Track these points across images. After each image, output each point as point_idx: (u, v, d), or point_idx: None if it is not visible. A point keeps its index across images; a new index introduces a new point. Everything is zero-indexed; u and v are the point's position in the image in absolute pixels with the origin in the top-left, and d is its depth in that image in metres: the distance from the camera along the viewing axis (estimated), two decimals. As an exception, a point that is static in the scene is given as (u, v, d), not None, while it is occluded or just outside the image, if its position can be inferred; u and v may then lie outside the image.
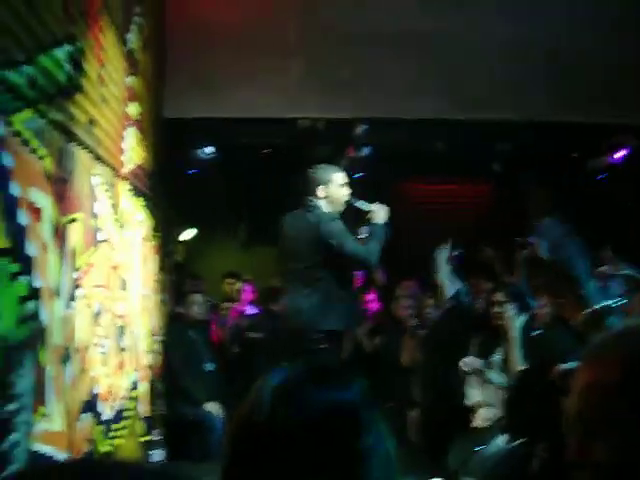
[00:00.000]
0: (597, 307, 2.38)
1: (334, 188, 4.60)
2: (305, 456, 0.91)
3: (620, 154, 7.45)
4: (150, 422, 5.32)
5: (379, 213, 4.58)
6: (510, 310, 4.31)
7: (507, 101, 6.27)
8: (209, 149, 7.04)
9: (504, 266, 6.57)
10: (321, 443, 0.92)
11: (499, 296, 4.67)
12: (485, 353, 4.59)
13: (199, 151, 7.01)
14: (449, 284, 5.18)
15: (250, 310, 7.17)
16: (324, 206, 4.58)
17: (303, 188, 4.66)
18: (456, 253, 5.49)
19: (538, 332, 4.11)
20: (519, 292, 4.60)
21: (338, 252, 4.37)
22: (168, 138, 6.24)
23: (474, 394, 4.60)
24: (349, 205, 4.64)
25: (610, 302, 2.45)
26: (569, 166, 8.06)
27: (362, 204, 4.66)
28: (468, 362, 4.55)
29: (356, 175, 8.05)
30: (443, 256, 5.32)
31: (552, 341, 3.43)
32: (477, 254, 6.65)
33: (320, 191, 4.57)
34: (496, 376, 4.47)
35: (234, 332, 6.69)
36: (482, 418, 4.45)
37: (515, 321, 4.29)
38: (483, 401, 4.55)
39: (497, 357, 4.57)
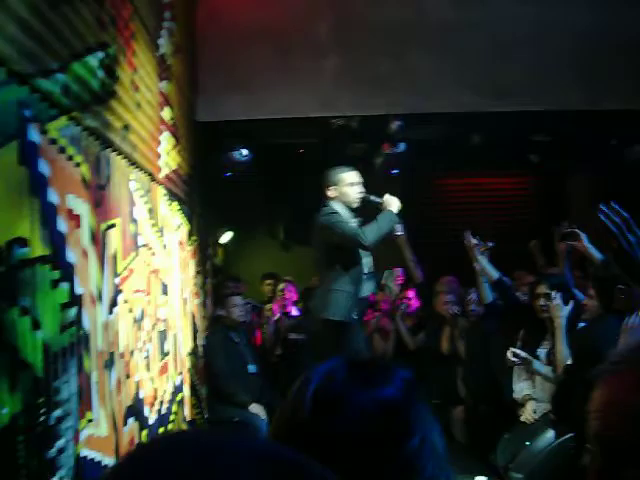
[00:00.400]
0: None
1: (344, 187, 4.72)
2: (350, 461, 0.87)
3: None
4: (195, 425, 5.34)
5: (389, 202, 4.66)
6: (556, 301, 4.22)
7: (542, 91, 6.18)
8: (244, 151, 7.05)
9: (546, 258, 6.48)
10: (367, 446, 0.88)
11: (542, 288, 4.58)
12: (531, 346, 4.51)
13: (234, 153, 7.02)
14: (490, 269, 5.10)
15: (293, 311, 7.15)
16: (337, 206, 4.72)
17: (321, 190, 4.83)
18: (490, 244, 5.40)
19: (585, 324, 4.01)
20: (563, 283, 4.50)
21: (334, 239, 4.55)
22: (203, 141, 6.27)
23: (522, 388, 4.53)
24: (362, 201, 4.74)
25: None
26: (608, 154, 7.90)
27: (374, 198, 4.74)
28: (515, 352, 4.47)
29: (392, 171, 8.03)
30: (476, 245, 5.24)
31: (600, 333, 3.34)
32: (519, 247, 6.56)
33: (331, 191, 4.74)
34: (544, 367, 4.39)
35: (276, 334, 6.68)
36: (530, 412, 4.37)
37: (561, 312, 4.20)
38: (531, 395, 4.47)
39: (543, 350, 4.49)
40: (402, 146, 7.42)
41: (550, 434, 3.98)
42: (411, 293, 6.71)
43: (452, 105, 6.30)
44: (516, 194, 9.83)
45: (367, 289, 4.78)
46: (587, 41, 6.18)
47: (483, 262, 5.14)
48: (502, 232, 8.38)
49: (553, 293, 4.30)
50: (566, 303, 4.27)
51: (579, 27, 6.19)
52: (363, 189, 4.74)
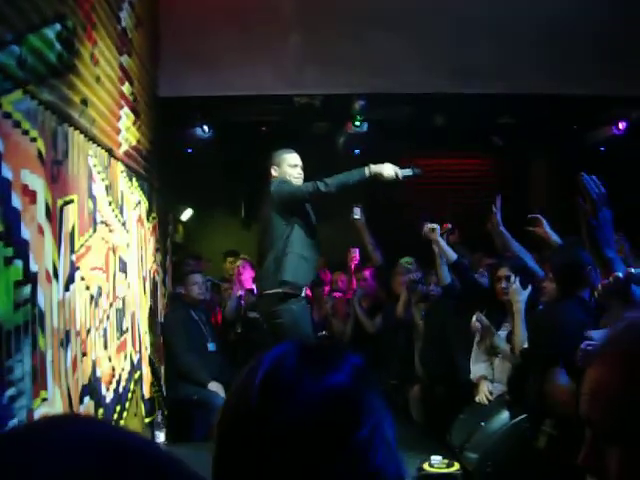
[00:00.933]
0: (618, 275, 2.32)
1: (286, 168, 4.71)
2: (298, 450, 0.86)
3: (621, 126, 7.39)
4: (153, 403, 5.32)
5: (383, 167, 4.60)
6: (515, 285, 4.26)
7: (506, 74, 6.21)
8: (206, 128, 6.98)
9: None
10: (315, 435, 0.87)
11: (504, 271, 4.61)
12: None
13: (196, 130, 6.95)
14: (448, 250, 5.13)
15: (255, 289, 7.10)
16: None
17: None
18: (449, 226, 5.43)
19: (542, 307, 4.06)
20: (523, 265, 4.54)
21: (287, 199, 4.56)
22: (164, 117, 6.19)
23: (479, 369, 4.57)
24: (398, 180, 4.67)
25: (634, 270, 2.39)
26: (570, 138, 8.00)
27: (406, 172, 4.69)
28: (480, 318, 4.53)
29: (354, 151, 8.03)
30: (433, 229, 5.25)
31: (556, 317, 3.39)
32: (481, 229, 6.61)
33: (274, 171, 4.75)
34: (504, 342, 4.45)
35: (237, 311, 6.64)
36: (485, 393, 4.42)
37: (520, 296, 4.24)
38: (486, 376, 4.52)
39: (503, 332, 4.53)
40: (365, 126, 7.41)
41: (505, 415, 4.04)
42: (368, 273, 6.70)
43: (416, 86, 6.30)
44: (478, 176, 9.90)
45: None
46: (553, 25, 6.21)
47: (441, 244, 5.16)
48: (464, 213, 8.45)
49: (512, 277, 4.34)
50: (525, 287, 4.31)
51: (546, 11, 6.21)
52: (302, 172, 4.74)
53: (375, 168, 4.56)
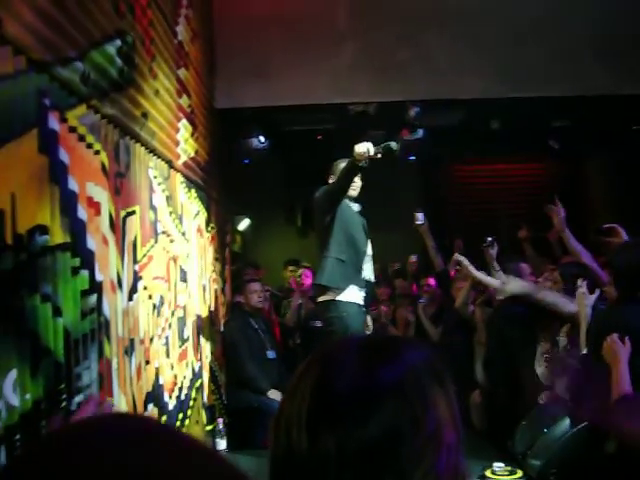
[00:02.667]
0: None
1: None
2: (357, 458, 0.85)
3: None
4: (214, 411, 5.38)
5: (355, 149, 4.39)
6: (582, 289, 4.15)
7: (561, 76, 6.13)
8: (262, 137, 7.05)
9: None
10: (375, 443, 0.85)
11: (555, 275, 4.54)
12: (550, 333, 4.48)
13: (252, 140, 7.02)
14: (485, 280, 5.14)
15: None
16: None
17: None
18: (489, 240, 5.37)
19: (603, 311, 3.97)
20: (578, 272, 4.44)
21: (322, 204, 4.63)
22: (221, 128, 6.28)
23: (543, 372, 4.48)
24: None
25: None
26: (628, 139, 7.83)
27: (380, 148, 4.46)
28: (458, 259, 5.03)
29: (410, 157, 8.01)
30: (492, 252, 5.25)
31: (619, 320, 3.32)
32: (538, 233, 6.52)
33: (330, 180, 4.77)
34: (486, 276, 4.84)
35: (298, 319, 6.68)
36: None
37: (587, 300, 4.14)
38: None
39: (562, 338, 4.45)
40: (420, 132, 7.39)
41: (567, 421, 3.98)
42: (432, 281, 6.66)
43: (470, 91, 6.26)
44: (534, 180, 9.77)
45: (368, 271, 4.76)
46: (607, 24, 6.11)
47: (475, 274, 5.21)
48: (520, 219, 8.34)
49: (579, 281, 4.23)
50: (591, 292, 4.20)
51: (599, 10, 6.12)
52: (358, 180, 4.72)
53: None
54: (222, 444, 5.17)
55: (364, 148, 4.35)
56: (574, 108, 6.94)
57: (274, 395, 5.62)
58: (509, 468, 4.13)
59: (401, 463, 0.85)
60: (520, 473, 4.07)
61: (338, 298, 4.53)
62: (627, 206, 7.84)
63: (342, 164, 4.65)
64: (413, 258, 7.47)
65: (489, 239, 5.27)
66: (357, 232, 4.72)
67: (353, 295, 4.60)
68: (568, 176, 9.46)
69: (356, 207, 4.84)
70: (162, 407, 3.78)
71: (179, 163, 4.63)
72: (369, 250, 4.81)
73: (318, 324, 6.00)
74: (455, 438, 0.91)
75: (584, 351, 3.91)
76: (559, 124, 7.62)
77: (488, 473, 4.08)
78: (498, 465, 4.12)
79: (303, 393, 0.90)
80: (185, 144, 4.83)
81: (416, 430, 0.87)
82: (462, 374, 5.71)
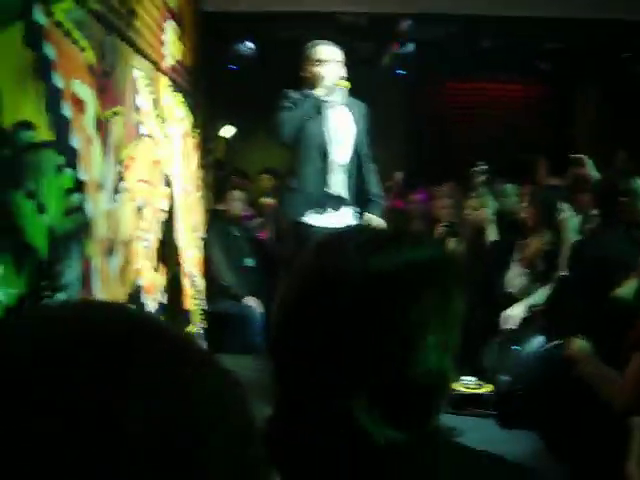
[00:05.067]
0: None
1: (312, 67, 4.04)
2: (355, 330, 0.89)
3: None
4: (191, 316, 5.45)
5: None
6: (565, 211, 4.20)
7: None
8: (250, 44, 6.91)
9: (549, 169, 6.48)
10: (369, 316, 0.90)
11: (526, 199, 4.57)
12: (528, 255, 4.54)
13: (240, 46, 6.89)
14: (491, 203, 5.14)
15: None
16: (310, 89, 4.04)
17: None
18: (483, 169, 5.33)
19: (586, 236, 4.02)
20: (548, 196, 4.48)
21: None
22: (208, 32, 6.14)
23: (519, 282, 4.52)
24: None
25: None
26: (620, 66, 7.78)
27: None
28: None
29: (399, 72, 7.92)
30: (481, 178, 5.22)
31: (602, 246, 3.38)
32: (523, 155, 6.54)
33: (303, 72, 4.09)
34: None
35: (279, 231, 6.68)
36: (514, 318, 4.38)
37: (571, 222, 4.19)
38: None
39: (540, 261, 4.51)
40: (411, 46, 7.28)
41: (539, 339, 4.08)
42: (421, 195, 6.65)
43: (464, 7, 6.15)
44: (523, 101, 9.71)
45: (338, 185, 4.03)
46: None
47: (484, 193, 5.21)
48: (506, 139, 8.34)
49: (559, 204, 4.27)
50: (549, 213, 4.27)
51: None
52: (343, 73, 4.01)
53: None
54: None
55: None
56: (567, 30, 6.85)
57: (251, 302, 5.71)
58: (479, 382, 4.26)
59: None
60: (489, 388, 4.20)
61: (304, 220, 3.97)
62: (614, 133, 7.86)
63: (313, 49, 4.04)
64: (399, 175, 7.46)
65: (482, 166, 5.26)
66: (313, 139, 3.99)
67: (320, 220, 3.94)
68: (557, 99, 9.42)
69: (337, 97, 4.03)
70: (141, 308, 3.82)
71: (165, 65, 4.54)
72: (339, 157, 4.03)
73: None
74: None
75: (563, 272, 4.00)
76: (550, 46, 7.54)
77: (458, 386, 4.20)
78: (468, 379, 4.25)
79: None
80: (172, 46, 4.73)
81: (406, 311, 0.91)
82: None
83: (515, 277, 4.54)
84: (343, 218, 3.94)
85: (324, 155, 3.97)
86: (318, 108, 3.90)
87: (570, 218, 4.23)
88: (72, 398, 0.49)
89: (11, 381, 0.49)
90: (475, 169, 5.21)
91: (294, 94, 4.03)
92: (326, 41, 4.10)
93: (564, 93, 9.33)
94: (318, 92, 3.93)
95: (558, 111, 9.31)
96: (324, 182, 3.96)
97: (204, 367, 0.58)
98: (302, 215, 3.95)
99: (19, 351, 0.51)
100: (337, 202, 3.98)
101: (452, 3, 6.11)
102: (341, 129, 4.00)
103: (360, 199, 4.04)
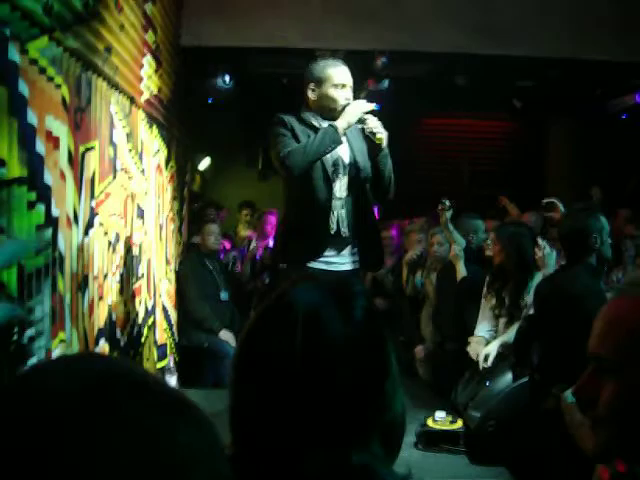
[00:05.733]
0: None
1: (328, 88, 3.50)
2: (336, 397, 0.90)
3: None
4: (165, 349, 5.43)
5: (347, 111, 3.46)
6: (546, 250, 4.21)
7: (530, 36, 6.16)
8: (227, 78, 6.97)
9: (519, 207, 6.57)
10: (352, 381, 0.91)
11: (491, 235, 4.60)
12: (495, 289, 4.57)
13: (217, 80, 6.94)
14: (457, 237, 5.18)
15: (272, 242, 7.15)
16: (310, 115, 3.54)
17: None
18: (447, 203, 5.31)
19: (551, 273, 4.06)
20: (517, 232, 4.52)
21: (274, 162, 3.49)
22: (186, 66, 6.19)
23: (482, 328, 4.54)
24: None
25: None
26: (591, 104, 7.93)
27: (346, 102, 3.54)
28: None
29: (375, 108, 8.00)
30: (447, 214, 5.21)
31: (567, 282, 3.43)
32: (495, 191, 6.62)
33: (310, 92, 3.53)
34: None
35: (253, 268, 6.67)
36: (474, 351, 4.38)
37: (550, 259, 4.21)
38: (485, 338, 4.50)
39: (507, 293, 4.53)
40: (386, 83, 7.37)
41: (509, 376, 4.11)
42: (394, 232, 6.67)
43: (440, 44, 6.25)
44: (498, 138, 9.85)
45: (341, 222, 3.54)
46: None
47: (450, 229, 5.21)
48: (480, 176, 8.44)
49: (540, 241, 4.30)
50: (523, 253, 4.31)
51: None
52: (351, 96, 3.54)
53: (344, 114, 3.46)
54: (172, 381, 5.25)
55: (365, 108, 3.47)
56: (539, 69, 6.98)
57: (225, 336, 5.69)
58: (450, 417, 4.27)
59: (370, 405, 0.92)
60: (460, 423, 4.21)
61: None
62: (587, 169, 7.99)
63: (330, 69, 3.50)
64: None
65: (446, 202, 5.25)
66: (317, 172, 3.46)
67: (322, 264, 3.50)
68: (529, 136, 9.56)
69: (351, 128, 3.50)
70: (114, 343, 3.80)
71: (141, 100, 4.57)
72: (341, 191, 3.53)
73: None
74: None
75: (531, 311, 4.03)
76: (524, 84, 7.67)
77: (429, 422, 4.21)
78: (439, 414, 4.25)
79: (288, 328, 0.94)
80: (148, 81, 4.76)
81: (387, 371, 0.94)
82: (409, 328, 5.86)
83: (484, 313, 4.57)
84: (344, 261, 3.54)
85: (329, 188, 3.49)
86: (339, 141, 3.41)
87: (549, 255, 4.26)
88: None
89: None
90: (440, 205, 5.21)
91: (291, 119, 3.50)
92: (342, 62, 3.60)
93: (537, 129, 9.48)
94: (341, 123, 3.41)
95: (532, 147, 9.45)
96: (328, 219, 3.49)
97: (177, 415, 0.59)
98: (306, 258, 3.46)
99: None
100: (341, 242, 3.51)
101: (427, 41, 6.22)
102: (343, 159, 3.55)
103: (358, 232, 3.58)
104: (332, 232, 3.47)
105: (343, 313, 0.95)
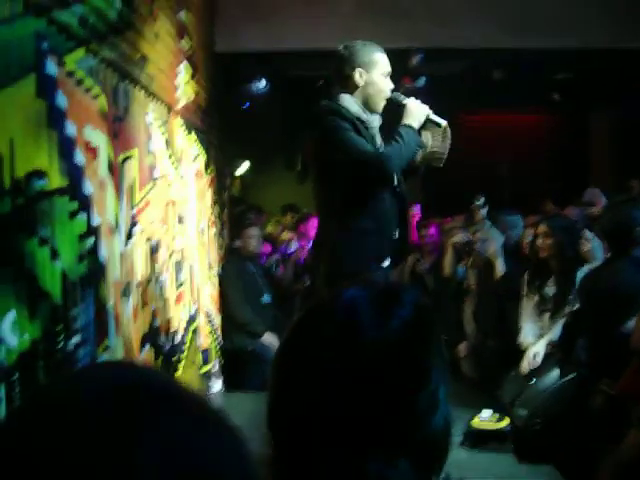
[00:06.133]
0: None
1: (376, 76, 3.23)
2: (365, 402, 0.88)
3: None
4: (209, 353, 5.47)
5: (412, 110, 3.25)
6: (593, 241, 4.12)
7: (566, 28, 6.07)
8: (262, 82, 7.00)
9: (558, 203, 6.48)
10: (380, 392, 0.89)
11: (542, 228, 4.50)
12: (536, 285, 4.50)
13: (253, 84, 6.98)
14: (496, 236, 5.11)
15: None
16: (353, 102, 3.21)
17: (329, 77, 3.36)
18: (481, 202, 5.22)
19: (596, 267, 3.99)
20: (566, 225, 4.44)
21: (337, 159, 3.11)
22: (221, 72, 6.24)
23: (528, 330, 4.47)
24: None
25: None
26: (633, 95, 7.79)
27: (396, 95, 3.32)
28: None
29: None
30: (482, 212, 5.13)
31: (612, 276, 3.37)
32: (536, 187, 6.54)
33: (357, 76, 3.20)
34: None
35: (302, 266, 6.66)
36: (528, 363, 4.30)
37: (597, 252, 4.13)
38: (533, 343, 4.42)
39: (550, 289, 4.45)
40: (422, 80, 7.34)
41: (556, 373, 4.05)
42: (433, 229, 6.59)
43: (475, 40, 6.20)
44: (537, 132, 9.73)
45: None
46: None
47: (487, 227, 5.14)
48: (520, 171, 8.35)
49: (587, 234, 4.20)
50: (574, 246, 4.23)
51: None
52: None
53: (410, 115, 3.25)
54: (217, 385, 5.29)
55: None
56: (577, 61, 6.89)
57: (268, 339, 5.71)
58: (497, 415, 4.23)
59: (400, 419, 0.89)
60: (507, 421, 4.17)
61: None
62: (627, 162, 7.85)
63: (378, 55, 3.25)
64: (415, 209, 7.46)
65: (481, 199, 5.21)
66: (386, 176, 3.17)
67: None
68: (570, 129, 9.43)
69: (376, 121, 3.32)
70: (158, 349, 3.84)
71: (178, 106, 4.62)
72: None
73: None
74: (445, 392, 0.95)
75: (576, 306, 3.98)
76: (562, 76, 7.57)
77: (476, 420, 4.18)
78: (486, 413, 4.22)
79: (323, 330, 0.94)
80: (185, 87, 4.81)
81: (423, 385, 0.91)
82: (451, 326, 5.81)
83: (527, 312, 4.51)
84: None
85: (394, 189, 3.24)
86: (421, 145, 3.25)
87: (596, 248, 4.20)
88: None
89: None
90: (475, 203, 5.16)
91: (346, 114, 3.16)
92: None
93: (578, 122, 9.35)
94: (414, 123, 3.21)
95: (573, 140, 9.32)
96: (393, 224, 3.26)
97: (199, 422, 0.60)
98: (374, 265, 3.16)
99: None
100: (394, 246, 3.28)
101: (461, 38, 6.17)
102: None
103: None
104: (395, 237, 3.26)
105: (380, 319, 0.93)
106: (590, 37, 6.10)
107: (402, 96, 3.32)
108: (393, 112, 3.32)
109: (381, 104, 3.25)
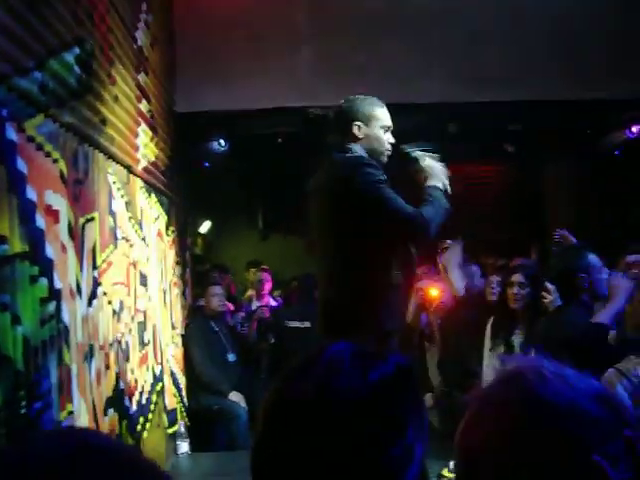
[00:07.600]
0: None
1: (376, 130, 3.22)
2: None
3: (635, 129, 7.37)
4: (175, 414, 5.40)
5: (432, 169, 3.27)
6: (553, 293, 4.15)
7: (517, 80, 6.25)
8: (222, 141, 7.06)
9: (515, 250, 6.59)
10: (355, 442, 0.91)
11: (517, 277, 4.56)
12: (502, 335, 4.55)
13: (213, 143, 7.03)
14: (459, 281, 5.15)
15: (271, 301, 7.16)
16: (364, 152, 3.18)
17: (328, 130, 3.37)
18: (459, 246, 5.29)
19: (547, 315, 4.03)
20: (536, 274, 4.51)
21: (376, 215, 3.00)
22: (181, 132, 6.29)
23: (488, 374, 4.53)
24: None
25: None
26: (584, 143, 8.00)
27: (411, 149, 3.35)
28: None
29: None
30: (453, 257, 5.17)
31: (566, 323, 3.43)
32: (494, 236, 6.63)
33: (356, 129, 3.19)
34: None
35: (267, 324, 6.63)
36: None
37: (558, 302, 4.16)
38: None
39: (517, 339, 4.50)
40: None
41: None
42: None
43: (430, 95, 6.35)
44: (493, 183, 9.91)
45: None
46: (563, 30, 6.24)
47: (454, 276, 5.18)
48: (477, 221, 8.47)
49: (548, 285, 4.24)
50: (537, 293, 4.28)
51: (554, 17, 6.24)
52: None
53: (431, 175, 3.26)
54: (184, 446, 5.20)
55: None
56: (528, 113, 7.06)
57: (235, 397, 5.66)
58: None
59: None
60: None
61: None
62: (583, 209, 8.03)
63: (378, 109, 3.25)
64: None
65: (449, 241, 5.28)
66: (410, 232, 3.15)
67: None
68: (525, 179, 9.62)
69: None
70: (123, 412, 3.79)
71: (139, 168, 4.64)
72: None
73: (295, 324, 5.98)
74: (423, 448, 0.97)
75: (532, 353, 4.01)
76: (514, 128, 7.75)
77: (445, 472, 4.17)
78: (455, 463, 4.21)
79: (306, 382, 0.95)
80: (145, 149, 4.84)
81: (397, 439, 0.93)
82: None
83: (491, 359, 4.55)
84: None
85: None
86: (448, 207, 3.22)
87: (557, 299, 4.22)
88: None
89: None
90: (443, 247, 5.23)
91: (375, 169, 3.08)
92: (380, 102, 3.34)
93: (532, 171, 9.54)
94: (442, 185, 3.24)
95: (528, 188, 9.50)
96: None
97: None
98: (394, 330, 3.12)
99: None
100: None
101: (415, 92, 6.31)
102: None
103: None
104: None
105: (362, 370, 0.95)
106: (540, 89, 6.28)
107: (417, 151, 3.33)
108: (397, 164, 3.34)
109: (382, 158, 3.23)
